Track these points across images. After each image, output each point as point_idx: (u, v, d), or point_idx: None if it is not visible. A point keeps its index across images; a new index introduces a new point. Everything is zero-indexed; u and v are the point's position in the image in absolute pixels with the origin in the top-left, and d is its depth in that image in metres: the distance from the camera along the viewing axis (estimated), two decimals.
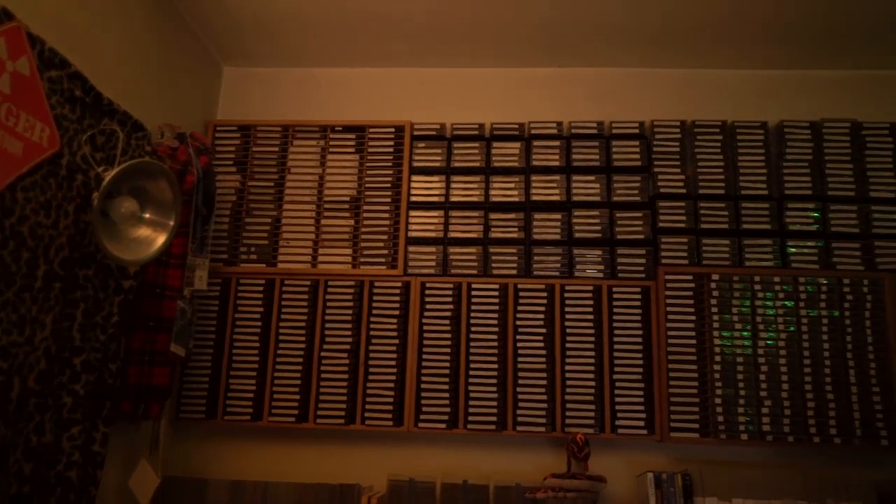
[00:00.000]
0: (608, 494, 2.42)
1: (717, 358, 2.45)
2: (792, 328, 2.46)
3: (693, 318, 2.49)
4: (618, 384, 2.45)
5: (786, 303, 2.48)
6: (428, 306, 2.56)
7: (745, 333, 2.46)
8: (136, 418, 2.24)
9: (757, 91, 2.77)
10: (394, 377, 2.50)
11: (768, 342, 2.45)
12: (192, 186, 2.30)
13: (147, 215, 1.99)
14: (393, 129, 2.74)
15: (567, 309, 2.52)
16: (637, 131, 2.68)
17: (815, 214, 2.56)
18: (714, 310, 2.48)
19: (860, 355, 2.43)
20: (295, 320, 2.58)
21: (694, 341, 2.47)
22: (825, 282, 2.49)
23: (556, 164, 2.66)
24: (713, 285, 2.50)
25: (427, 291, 2.57)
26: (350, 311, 2.57)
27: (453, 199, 2.65)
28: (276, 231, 2.68)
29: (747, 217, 2.58)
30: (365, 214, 2.67)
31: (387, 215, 2.66)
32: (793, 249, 2.54)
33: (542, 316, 2.52)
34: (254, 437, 2.59)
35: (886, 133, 2.63)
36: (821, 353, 2.43)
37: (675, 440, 2.41)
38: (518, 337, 2.51)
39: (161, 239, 2.01)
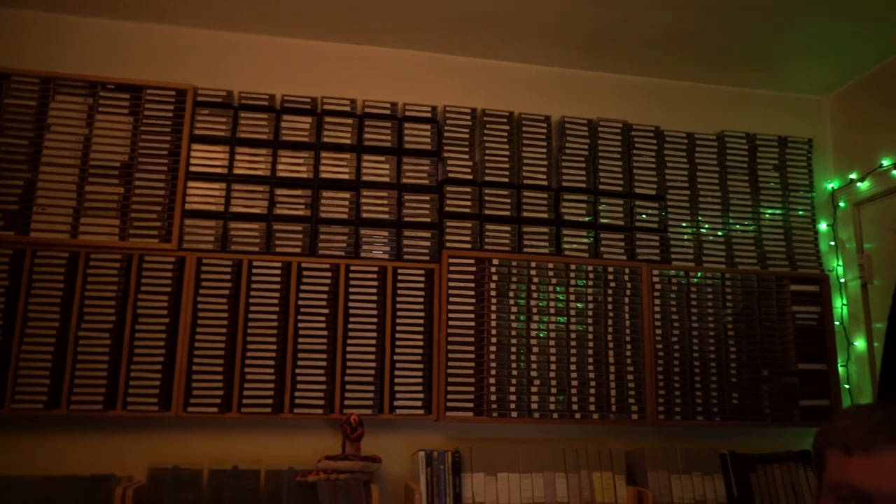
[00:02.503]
0: (384, 474, 2.43)
1: (494, 340, 2.55)
2: (563, 317, 2.61)
3: (473, 300, 2.57)
4: (398, 365, 2.47)
5: (557, 288, 2.63)
6: (204, 283, 2.41)
7: (520, 317, 2.58)
8: None
9: (543, 86, 2.91)
10: (162, 359, 2.33)
11: (540, 325, 2.59)
12: None
13: None
14: (174, 93, 2.53)
15: (351, 289, 2.49)
16: (429, 115, 2.70)
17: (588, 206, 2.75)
18: (493, 293, 2.58)
19: (619, 338, 2.65)
20: (48, 296, 2.31)
21: (473, 324, 2.55)
22: (592, 269, 2.68)
23: (348, 142, 2.61)
24: (493, 269, 2.60)
25: (204, 268, 2.42)
26: (115, 287, 2.35)
27: (237, 171, 2.52)
28: (30, 196, 2.38)
29: (528, 206, 2.70)
30: (137, 182, 2.45)
31: (162, 185, 2.46)
32: (566, 238, 2.71)
33: (325, 296, 2.47)
34: None
35: (651, 136, 2.88)
36: (585, 336, 2.62)
37: (451, 419, 2.47)
38: (300, 317, 2.44)
39: None
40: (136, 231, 2.41)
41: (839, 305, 2.93)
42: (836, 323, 2.89)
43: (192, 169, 2.49)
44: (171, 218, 2.44)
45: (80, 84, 2.48)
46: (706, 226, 2.86)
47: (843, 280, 2.95)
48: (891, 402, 1.09)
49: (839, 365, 2.84)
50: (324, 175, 2.57)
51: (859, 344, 2.85)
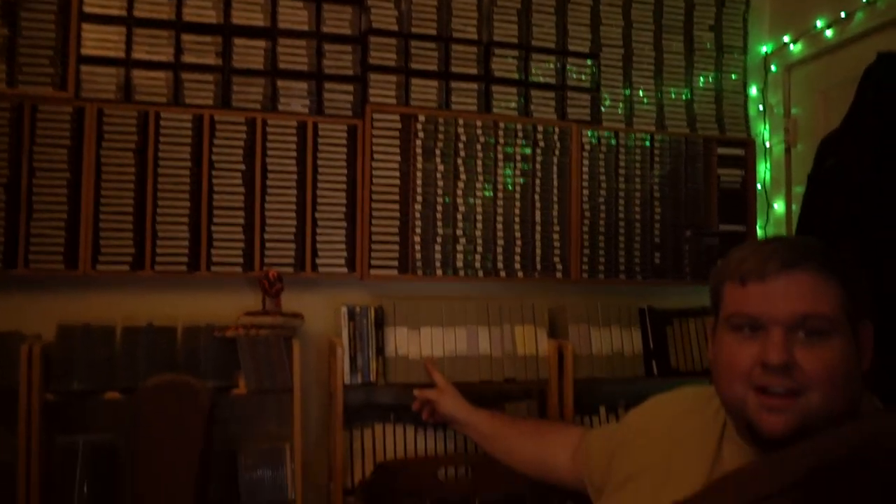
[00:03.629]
0: (307, 331, 2.42)
1: (419, 198, 2.49)
2: (490, 175, 2.56)
3: (398, 158, 2.48)
4: (320, 223, 2.40)
5: (485, 146, 2.57)
6: (107, 136, 2.25)
7: (447, 175, 2.52)
8: None
9: None
10: (65, 215, 2.19)
11: (466, 183, 2.54)
12: None
13: None
14: None
15: (269, 145, 2.37)
16: None
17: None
18: (419, 151, 2.50)
19: (546, 197, 2.62)
20: None
21: (398, 181, 2.48)
22: (522, 128, 2.61)
23: None
24: (419, 126, 2.50)
25: (106, 119, 2.24)
26: (6, 139, 2.17)
27: (138, 14, 2.29)
28: None
29: (456, 60, 2.58)
30: (24, 23, 2.21)
31: (52, 26, 2.23)
32: (496, 96, 2.61)
33: (241, 151, 2.34)
34: None
35: None
36: (513, 196, 2.59)
37: (375, 277, 2.45)
38: (214, 173, 2.32)
39: None
40: (27, 77, 2.20)
41: (763, 170, 2.97)
42: (759, 186, 2.94)
43: (87, 10, 2.25)
44: (65, 64, 2.23)
45: None
46: (640, 88, 2.80)
47: (768, 144, 2.97)
48: (785, 236, 1.10)
49: (758, 227, 2.91)
50: (235, 21, 2.37)
51: (778, 207, 2.91)
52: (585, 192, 2.66)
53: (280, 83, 2.40)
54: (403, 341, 2.27)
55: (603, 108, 2.74)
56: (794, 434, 0.98)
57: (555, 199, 2.63)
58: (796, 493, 0.97)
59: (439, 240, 2.49)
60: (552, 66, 2.68)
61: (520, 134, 2.60)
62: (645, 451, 1.32)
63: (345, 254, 2.41)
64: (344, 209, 2.42)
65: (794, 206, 2.84)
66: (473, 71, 2.59)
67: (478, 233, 2.54)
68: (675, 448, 1.25)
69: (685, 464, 1.21)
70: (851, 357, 0.99)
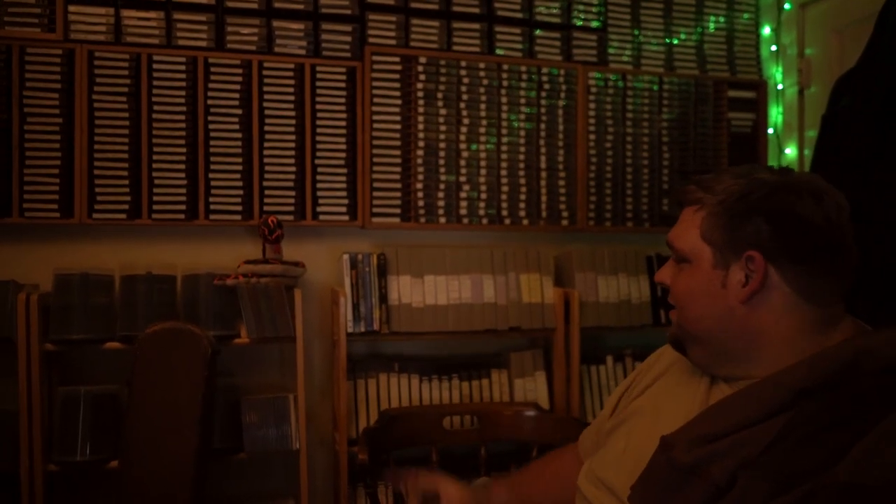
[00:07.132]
0: (309, 280, 2.38)
1: (421, 144, 2.42)
2: (493, 120, 2.49)
3: (399, 102, 2.41)
4: (319, 170, 2.34)
5: (488, 89, 2.48)
6: (98, 80, 2.17)
7: (449, 120, 2.45)
8: None
9: None
10: (59, 162, 2.14)
11: (470, 128, 2.47)
12: None
13: None
14: None
15: (266, 88, 2.29)
16: None
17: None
18: (420, 94, 2.42)
19: (551, 143, 2.55)
20: None
21: (399, 126, 2.41)
22: (526, 70, 2.53)
23: None
24: (420, 69, 2.42)
25: (97, 62, 2.17)
26: None
27: None
28: None
29: None
30: None
31: None
32: (499, 37, 2.52)
33: (237, 95, 2.27)
34: None
35: None
36: (517, 140, 2.52)
37: (377, 225, 2.39)
38: (210, 118, 2.25)
39: None
40: (13, 18, 2.12)
41: (774, 113, 2.88)
42: (770, 130, 2.86)
43: None
44: (52, 4, 2.14)
45: None
46: (649, 28, 2.70)
47: (780, 87, 2.88)
48: (725, 169, 1.18)
49: None
50: None
51: (790, 152, 2.83)
52: (592, 136, 2.59)
53: (276, 23, 2.31)
54: (407, 290, 2.23)
55: (610, 50, 2.64)
56: (674, 341, 1.14)
57: (560, 144, 2.56)
58: (781, 418, 0.94)
59: (442, 186, 2.44)
60: (558, 4, 2.58)
61: (524, 76, 2.52)
62: (637, 398, 1.28)
63: (346, 201, 2.36)
64: (344, 155, 2.36)
65: (806, 151, 2.76)
66: (476, 10, 2.49)
67: (482, 179, 2.48)
68: (667, 391, 1.23)
69: (677, 404, 1.18)
70: (709, 282, 1.06)
